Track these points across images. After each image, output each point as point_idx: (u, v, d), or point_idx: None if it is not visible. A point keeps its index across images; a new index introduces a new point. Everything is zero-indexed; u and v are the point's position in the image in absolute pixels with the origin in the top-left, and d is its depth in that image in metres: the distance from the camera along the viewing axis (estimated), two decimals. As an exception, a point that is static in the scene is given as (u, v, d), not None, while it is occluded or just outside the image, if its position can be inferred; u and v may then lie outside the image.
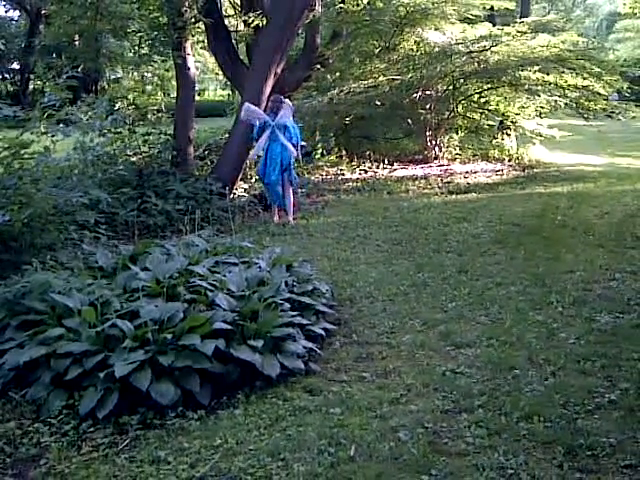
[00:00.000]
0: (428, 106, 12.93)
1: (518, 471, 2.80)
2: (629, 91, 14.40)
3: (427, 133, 13.23)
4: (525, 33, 12.63)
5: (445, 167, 12.63)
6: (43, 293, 3.98)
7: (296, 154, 8.08)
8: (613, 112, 13.09)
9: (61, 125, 5.57)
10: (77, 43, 10.54)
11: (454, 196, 9.90)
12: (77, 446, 3.17)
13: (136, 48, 9.77)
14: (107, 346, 3.53)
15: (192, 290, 4.08)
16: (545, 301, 5.01)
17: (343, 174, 12.15)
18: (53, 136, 5.40)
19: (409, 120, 13.17)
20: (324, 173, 12.14)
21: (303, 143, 8.84)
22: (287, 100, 8.51)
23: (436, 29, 13.23)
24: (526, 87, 12.50)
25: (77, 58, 9.04)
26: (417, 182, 11.21)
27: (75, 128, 6.40)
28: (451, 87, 13.05)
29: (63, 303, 3.81)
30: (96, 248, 5.13)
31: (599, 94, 12.50)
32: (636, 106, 13.48)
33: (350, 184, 11.24)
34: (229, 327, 3.71)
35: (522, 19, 15.00)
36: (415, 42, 13.30)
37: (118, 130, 8.10)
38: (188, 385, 3.44)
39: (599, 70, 12.29)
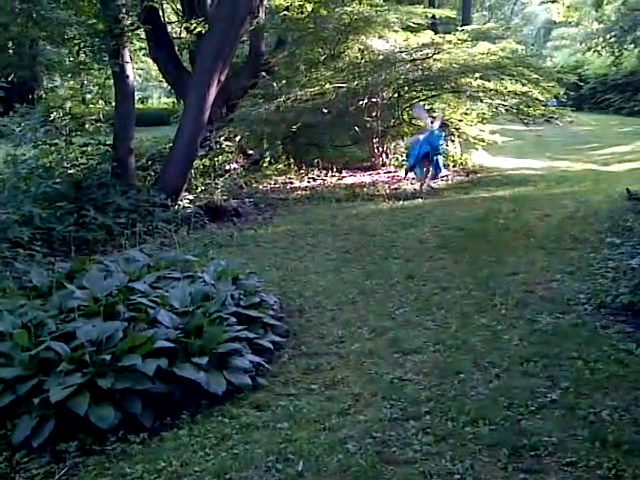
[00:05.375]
0: (374, 113, 13.06)
1: (465, 476, 2.84)
2: (565, 97, 14.99)
3: (374, 140, 13.35)
4: (466, 41, 12.93)
5: (392, 174, 12.78)
6: (-30, 317, 3.75)
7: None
8: (551, 117, 13.53)
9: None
10: (11, 51, 10.06)
11: (401, 202, 10.02)
12: (10, 479, 3.01)
13: (75, 55, 9.37)
14: (42, 370, 3.37)
15: (132, 308, 3.95)
16: (489, 304, 5.12)
17: (292, 182, 12.12)
18: (-20, 150, 5.11)
19: (356, 127, 13.25)
20: (272, 182, 12.06)
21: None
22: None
23: (380, 37, 13.39)
24: (468, 94, 12.79)
25: (9, 66, 8.55)
26: (365, 189, 11.29)
27: (5, 140, 6.08)
28: (396, 95, 13.23)
29: (-8, 327, 3.61)
30: (30, 266, 4.90)
31: (538, 100, 12.91)
32: (572, 111, 14.01)
33: (299, 192, 11.22)
34: (172, 345, 3.61)
35: (463, 27, 15.40)
36: (359, 50, 13.41)
37: (54, 141, 7.74)
38: (129, 407, 3.32)
39: (537, 77, 12.70)
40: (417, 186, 11.19)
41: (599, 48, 24.55)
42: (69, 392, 3.19)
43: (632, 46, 22.68)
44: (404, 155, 12.57)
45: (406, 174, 11.77)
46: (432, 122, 11.09)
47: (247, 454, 3.09)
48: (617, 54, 23.48)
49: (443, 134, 11.37)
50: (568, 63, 28.98)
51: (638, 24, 20.98)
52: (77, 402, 3.19)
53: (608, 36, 23.45)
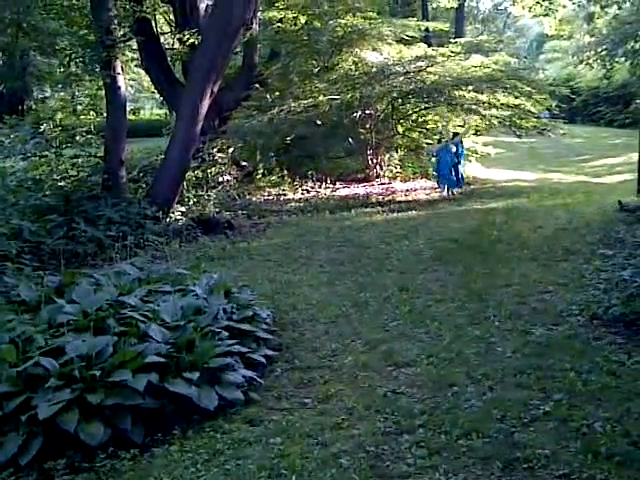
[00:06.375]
0: (368, 125, 13.13)
1: (458, 490, 2.80)
2: (558, 109, 15.12)
3: (368, 152, 13.42)
4: (459, 54, 13.04)
5: (386, 185, 12.83)
6: (-44, 332, 3.70)
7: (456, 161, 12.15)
8: (544, 129, 13.64)
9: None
10: (1, 61, 10.02)
11: (395, 214, 10.03)
12: (-5, 498, 2.96)
13: (66, 66, 9.34)
14: (30, 387, 3.32)
15: (123, 322, 3.91)
16: (483, 316, 5.10)
17: (285, 194, 12.13)
18: (-33, 163, 5.09)
19: (350, 139, 13.32)
20: (266, 194, 12.08)
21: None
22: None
23: (373, 49, 13.48)
24: (465, 107, 12.87)
25: (-1, 77, 8.53)
26: (359, 201, 11.31)
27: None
28: (390, 107, 13.30)
29: (-22, 343, 3.55)
30: (19, 280, 4.85)
31: (530, 112, 13.02)
32: (565, 123, 14.12)
33: (292, 204, 11.22)
34: (163, 360, 3.57)
35: (456, 40, 15.52)
36: (353, 62, 13.51)
37: (43, 153, 7.69)
38: (119, 424, 3.27)
39: (529, 89, 12.81)
40: (447, 193, 11.91)
41: (591, 61, 24.79)
42: (58, 408, 3.14)
43: (623, 59, 22.92)
44: (430, 165, 13.67)
45: (456, 185, 12.09)
46: (453, 136, 12.30)
47: (239, 470, 3.05)
48: (608, 67, 23.73)
49: (463, 148, 12.46)
50: (560, 76, 29.26)
51: (629, 37, 21.21)
52: (66, 419, 3.14)
53: (599, 49, 23.68)
